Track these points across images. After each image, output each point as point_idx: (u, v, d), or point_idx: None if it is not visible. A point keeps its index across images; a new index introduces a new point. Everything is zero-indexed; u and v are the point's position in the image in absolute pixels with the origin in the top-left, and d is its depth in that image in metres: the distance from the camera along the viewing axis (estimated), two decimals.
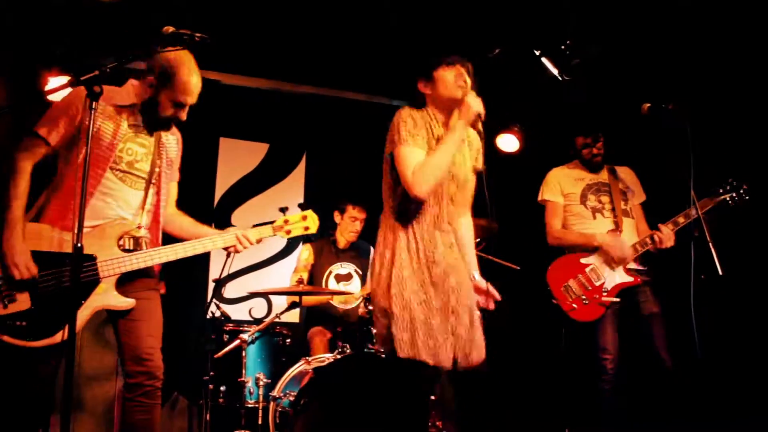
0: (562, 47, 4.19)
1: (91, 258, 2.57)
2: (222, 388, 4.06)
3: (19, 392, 2.55)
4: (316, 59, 5.19)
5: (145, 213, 2.78)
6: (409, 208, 2.65)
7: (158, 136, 2.80)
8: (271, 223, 2.97)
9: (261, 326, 4.11)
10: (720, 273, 3.14)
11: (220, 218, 5.53)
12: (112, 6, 4.11)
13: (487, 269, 4.31)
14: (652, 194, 4.05)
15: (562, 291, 3.84)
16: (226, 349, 3.99)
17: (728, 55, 4.02)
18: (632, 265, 3.79)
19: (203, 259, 5.39)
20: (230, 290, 5.35)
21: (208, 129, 5.54)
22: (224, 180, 5.59)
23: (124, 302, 2.65)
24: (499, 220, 4.31)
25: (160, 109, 2.69)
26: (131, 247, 2.69)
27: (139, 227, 2.74)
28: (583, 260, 3.85)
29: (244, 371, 3.98)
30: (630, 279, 3.76)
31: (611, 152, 4.04)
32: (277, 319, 4.17)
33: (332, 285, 4.75)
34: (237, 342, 3.98)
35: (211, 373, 3.97)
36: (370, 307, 3.36)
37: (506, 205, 5.10)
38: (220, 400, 4.05)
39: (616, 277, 3.77)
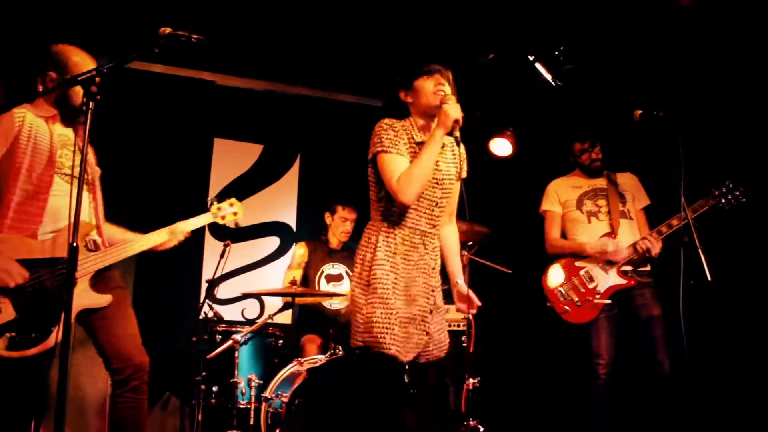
0: (556, 53, 4.22)
1: (63, 260, 2.60)
2: (214, 389, 4.06)
3: (11, 394, 2.57)
4: (311, 61, 5.21)
5: (94, 214, 2.87)
6: (392, 212, 2.76)
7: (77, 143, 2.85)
8: (206, 212, 3.34)
9: (254, 327, 4.12)
10: (709, 278, 3.16)
11: None
12: (109, 4, 4.13)
13: (479, 273, 4.37)
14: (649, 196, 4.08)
15: (555, 294, 3.87)
16: (219, 349, 3.99)
17: (725, 59, 4.04)
18: (627, 267, 3.82)
19: (196, 259, 5.40)
20: (223, 291, 5.35)
21: (203, 130, 5.54)
22: (218, 181, 5.59)
23: (103, 299, 2.73)
24: (491, 224, 4.35)
25: (73, 98, 2.77)
26: (93, 248, 2.78)
27: (98, 228, 2.83)
28: (577, 263, 3.89)
29: (236, 372, 3.98)
30: (623, 281, 3.78)
31: (609, 158, 4.08)
32: (269, 320, 4.17)
33: (323, 285, 4.80)
34: (229, 343, 3.98)
35: (204, 374, 3.98)
36: None
37: (499, 209, 5.15)
38: (212, 401, 4.06)
39: (610, 279, 3.81)
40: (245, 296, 5.41)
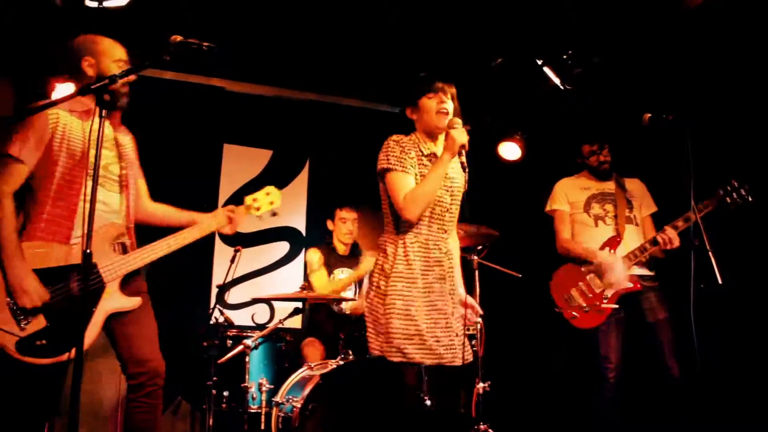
0: (564, 57, 4.22)
1: (93, 266, 2.60)
2: (225, 394, 4.08)
3: (26, 396, 2.58)
4: (320, 66, 5.23)
5: (125, 215, 2.83)
6: (404, 223, 2.84)
7: (115, 139, 2.83)
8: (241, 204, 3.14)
9: (264, 332, 4.13)
10: (719, 282, 3.15)
11: None
12: (119, 13, 4.16)
13: (490, 277, 4.37)
14: (655, 201, 4.07)
15: (564, 300, 3.87)
16: (230, 354, 4.01)
17: (732, 61, 4.03)
18: (635, 270, 3.81)
19: (207, 264, 5.42)
20: (233, 296, 5.37)
21: (212, 135, 5.58)
22: (228, 186, 5.63)
23: (132, 302, 2.71)
24: (500, 228, 4.35)
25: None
26: (121, 251, 2.75)
27: (128, 229, 2.79)
28: (584, 268, 3.88)
29: (247, 376, 4.00)
30: (629, 285, 3.78)
31: (618, 161, 4.08)
32: (280, 325, 4.18)
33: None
34: (240, 347, 4.00)
35: (215, 379, 3.99)
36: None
37: (508, 213, 5.15)
38: (223, 406, 4.07)
39: None
40: (255, 301, 5.44)
